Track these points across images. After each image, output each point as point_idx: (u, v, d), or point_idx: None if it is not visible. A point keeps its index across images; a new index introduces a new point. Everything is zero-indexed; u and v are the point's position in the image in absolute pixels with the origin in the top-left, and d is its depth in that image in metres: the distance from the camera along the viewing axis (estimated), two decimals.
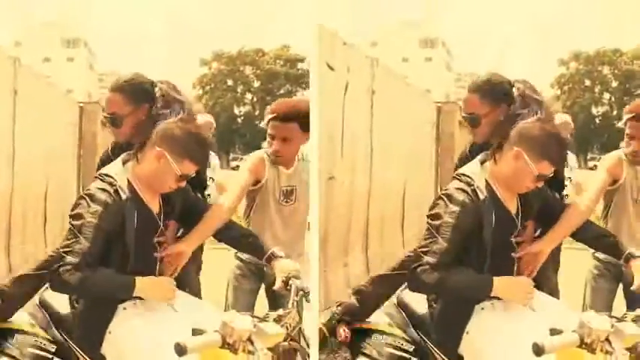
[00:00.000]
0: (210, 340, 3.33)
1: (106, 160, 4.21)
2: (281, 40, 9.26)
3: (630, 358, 3.57)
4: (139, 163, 3.77)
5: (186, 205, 4.03)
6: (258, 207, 4.80)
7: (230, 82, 9.24)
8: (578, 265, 5.02)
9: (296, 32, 8.28)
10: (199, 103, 8.62)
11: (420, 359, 4.13)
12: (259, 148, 5.10)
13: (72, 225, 3.66)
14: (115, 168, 3.81)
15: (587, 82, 8.71)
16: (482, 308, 3.82)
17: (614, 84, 8.65)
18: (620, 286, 4.82)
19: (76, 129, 5.48)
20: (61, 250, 3.63)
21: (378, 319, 4.39)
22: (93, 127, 5.47)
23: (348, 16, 6.72)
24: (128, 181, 3.75)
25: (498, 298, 3.79)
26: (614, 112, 8.84)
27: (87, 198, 3.68)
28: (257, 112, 9.38)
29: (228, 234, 4.17)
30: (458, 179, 3.83)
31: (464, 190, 3.76)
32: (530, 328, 3.52)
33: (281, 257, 4.02)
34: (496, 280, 3.72)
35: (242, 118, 9.33)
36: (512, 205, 3.87)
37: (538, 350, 3.28)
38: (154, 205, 3.84)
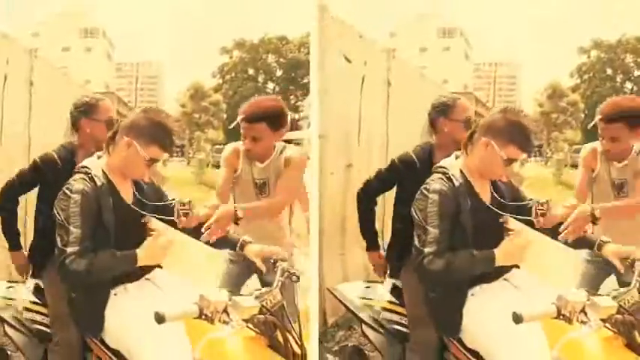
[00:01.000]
0: (187, 310, 3.56)
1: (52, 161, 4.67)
2: (305, 28, 9.18)
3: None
4: (110, 155, 4.01)
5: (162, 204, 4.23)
6: (238, 197, 5.01)
7: (251, 71, 9.17)
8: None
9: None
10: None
11: None
12: None
13: (59, 219, 3.86)
14: (90, 161, 4.04)
15: (609, 71, 8.59)
16: (472, 294, 4.09)
17: (637, 73, 8.53)
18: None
19: None
20: (60, 245, 3.82)
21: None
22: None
23: (365, 7, 6.71)
24: (103, 171, 3.99)
25: (487, 282, 4.10)
26: None
27: (66, 191, 3.89)
28: None
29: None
30: (435, 172, 4.12)
31: (440, 179, 4.04)
32: (518, 306, 3.69)
33: (250, 242, 4.27)
34: (497, 250, 3.94)
35: None
36: (485, 195, 4.12)
37: (517, 319, 3.56)
38: (128, 195, 4.06)
